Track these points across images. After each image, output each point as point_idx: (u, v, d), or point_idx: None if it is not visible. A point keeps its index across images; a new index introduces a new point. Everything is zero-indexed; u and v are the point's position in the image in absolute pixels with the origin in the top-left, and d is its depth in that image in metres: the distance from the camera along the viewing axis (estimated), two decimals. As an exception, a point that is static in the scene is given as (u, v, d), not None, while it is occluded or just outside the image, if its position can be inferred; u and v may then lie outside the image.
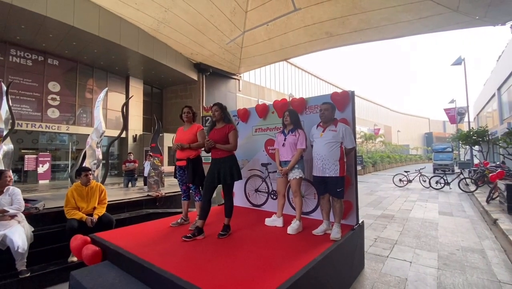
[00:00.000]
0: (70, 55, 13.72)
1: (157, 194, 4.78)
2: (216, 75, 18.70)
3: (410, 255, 3.53)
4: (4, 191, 2.83)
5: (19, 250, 2.59)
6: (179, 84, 18.92)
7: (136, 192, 5.58)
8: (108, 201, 3.64)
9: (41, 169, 12.82)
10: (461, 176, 10.26)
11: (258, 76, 23.93)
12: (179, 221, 3.18)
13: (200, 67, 17.65)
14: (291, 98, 3.69)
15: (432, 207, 6.80)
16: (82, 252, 2.47)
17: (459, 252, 3.62)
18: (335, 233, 2.58)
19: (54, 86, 13.71)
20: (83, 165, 4.42)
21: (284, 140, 2.94)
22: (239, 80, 20.88)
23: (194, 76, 17.63)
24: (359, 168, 18.82)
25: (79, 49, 13.16)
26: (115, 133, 16.32)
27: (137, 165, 8.01)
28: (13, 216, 2.75)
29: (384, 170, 23.49)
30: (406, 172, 11.84)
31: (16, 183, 12.96)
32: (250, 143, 4.13)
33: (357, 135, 35.73)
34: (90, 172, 3.40)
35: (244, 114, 4.17)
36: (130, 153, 8.64)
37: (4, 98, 3.81)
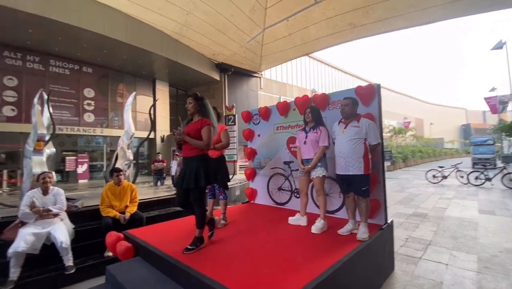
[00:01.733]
0: (102, 62, 14.60)
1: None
2: (237, 74, 18.87)
3: (446, 256, 3.30)
4: (49, 191, 3.11)
5: (63, 245, 2.83)
6: (203, 85, 19.36)
7: (164, 190, 5.84)
8: (139, 200, 3.85)
9: (80, 169, 13.87)
10: (505, 171, 9.35)
11: (280, 73, 23.72)
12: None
13: (222, 67, 17.93)
14: (313, 94, 3.61)
15: (471, 205, 6.29)
16: (116, 248, 2.63)
17: (502, 254, 3.32)
18: (362, 233, 2.49)
19: (89, 92, 14.70)
20: (116, 166, 4.71)
21: (306, 138, 2.89)
22: (260, 78, 20.87)
23: (216, 76, 17.94)
24: (388, 163, 17.96)
25: (109, 57, 13.96)
26: (144, 134, 17.11)
27: (165, 164, 8.37)
28: (56, 215, 3.01)
29: (416, 166, 22.18)
30: (440, 167, 11.06)
31: (59, 182, 14.19)
32: (272, 141, 4.11)
33: (386, 130, 34.10)
34: (121, 173, 3.61)
35: (265, 113, 4.16)
36: (158, 153, 9.05)
37: (46, 106, 4.18)
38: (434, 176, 10.82)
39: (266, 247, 2.39)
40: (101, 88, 15.19)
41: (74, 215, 3.47)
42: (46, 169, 3.58)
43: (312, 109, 2.90)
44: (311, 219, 3.02)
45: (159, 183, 8.08)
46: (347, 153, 2.55)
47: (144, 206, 4.13)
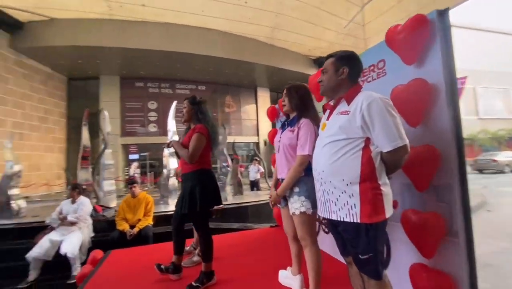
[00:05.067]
0: (211, 79, 16.78)
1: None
2: (339, 66, 16.82)
3: None
4: (77, 200, 3.41)
5: (68, 255, 2.97)
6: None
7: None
8: (160, 212, 3.67)
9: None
10: None
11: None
12: (187, 248, 2.59)
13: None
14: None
15: None
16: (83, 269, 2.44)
17: None
18: None
19: (203, 106, 17.24)
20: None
21: (279, 140, 1.65)
22: (368, 65, 17.70)
23: (315, 72, 16.71)
24: None
25: (215, 73, 15.83)
26: (250, 139, 18.44)
27: (243, 169, 8.31)
28: (73, 223, 3.23)
29: None
30: None
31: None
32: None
33: None
34: (135, 185, 3.54)
35: (272, 113, 3.01)
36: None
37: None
38: None
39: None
40: (212, 102, 17.47)
41: (104, 224, 3.71)
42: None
43: (290, 90, 1.62)
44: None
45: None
46: (324, 171, 1.17)
47: (167, 219, 3.90)
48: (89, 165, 4.33)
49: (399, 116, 1.08)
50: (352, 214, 1.07)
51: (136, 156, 15.99)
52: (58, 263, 3.05)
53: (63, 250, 2.96)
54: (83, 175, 4.20)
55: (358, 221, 1.05)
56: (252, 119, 18.68)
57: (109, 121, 5.10)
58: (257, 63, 14.85)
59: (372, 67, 1.76)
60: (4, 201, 3.91)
